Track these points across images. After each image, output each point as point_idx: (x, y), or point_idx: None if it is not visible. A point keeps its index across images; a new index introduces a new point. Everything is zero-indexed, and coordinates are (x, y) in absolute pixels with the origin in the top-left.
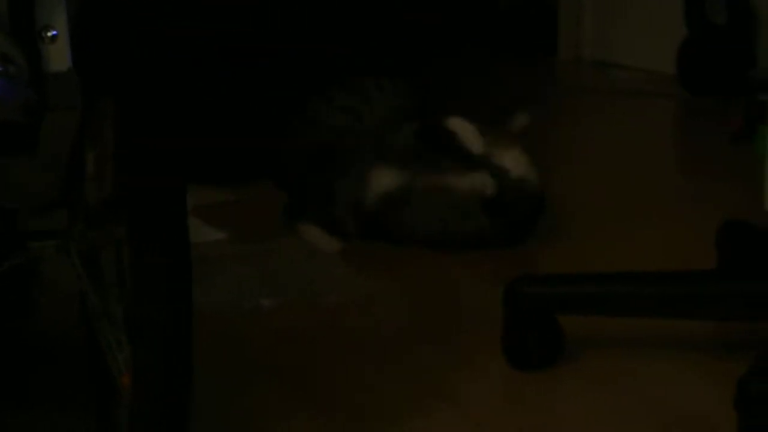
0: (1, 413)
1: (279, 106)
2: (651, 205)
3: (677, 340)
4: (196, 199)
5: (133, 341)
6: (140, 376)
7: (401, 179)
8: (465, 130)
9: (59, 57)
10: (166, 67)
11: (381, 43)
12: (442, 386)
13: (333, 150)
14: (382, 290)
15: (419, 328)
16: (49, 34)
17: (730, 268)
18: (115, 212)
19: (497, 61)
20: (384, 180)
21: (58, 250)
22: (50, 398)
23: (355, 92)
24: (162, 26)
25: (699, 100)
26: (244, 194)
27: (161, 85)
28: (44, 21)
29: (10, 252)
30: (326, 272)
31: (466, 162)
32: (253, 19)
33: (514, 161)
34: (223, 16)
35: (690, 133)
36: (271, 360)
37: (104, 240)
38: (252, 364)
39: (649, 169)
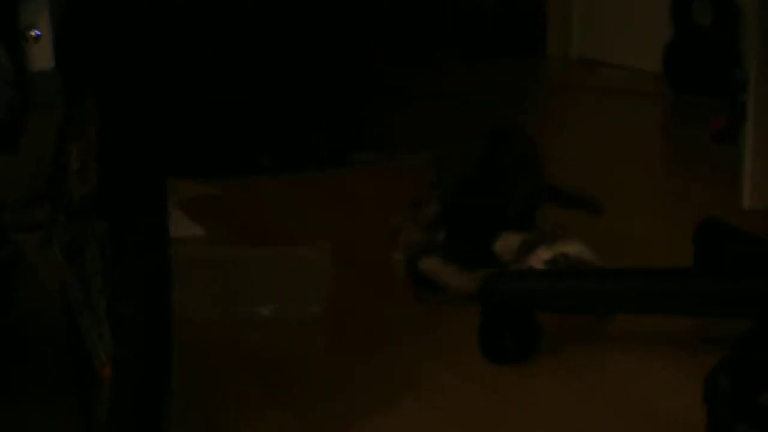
0: None
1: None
2: (632, 202)
3: (653, 335)
4: (178, 192)
5: (114, 333)
6: (121, 368)
7: None
8: None
9: (42, 57)
10: (149, 66)
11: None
12: (415, 379)
13: None
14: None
15: (392, 325)
16: (33, 33)
17: (706, 266)
18: (97, 206)
19: (483, 60)
20: None
21: (41, 243)
22: (32, 391)
23: None
24: (143, 28)
25: (684, 99)
26: (228, 189)
27: (143, 82)
28: (28, 21)
29: None
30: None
31: None
32: (240, 19)
33: None
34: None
35: (675, 132)
36: (246, 362)
37: (87, 233)
38: (226, 366)
39: (632, 167)
